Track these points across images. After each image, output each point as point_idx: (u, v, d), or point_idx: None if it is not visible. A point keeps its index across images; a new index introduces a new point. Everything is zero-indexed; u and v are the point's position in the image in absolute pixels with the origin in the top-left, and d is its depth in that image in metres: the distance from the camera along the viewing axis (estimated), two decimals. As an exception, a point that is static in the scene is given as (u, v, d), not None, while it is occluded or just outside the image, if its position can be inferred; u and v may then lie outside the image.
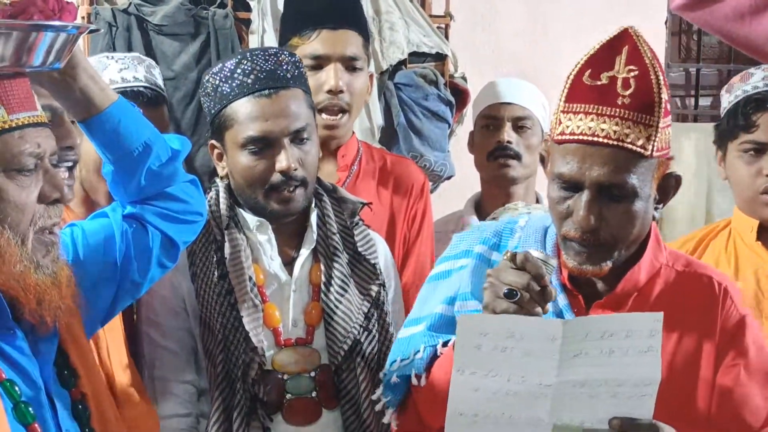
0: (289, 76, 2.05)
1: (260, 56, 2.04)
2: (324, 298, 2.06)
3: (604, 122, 1.56)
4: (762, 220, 2.45)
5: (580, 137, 1.58)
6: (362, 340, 2.09)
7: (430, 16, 4.25)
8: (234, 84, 2.03)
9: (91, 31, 1.62)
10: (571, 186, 1.61)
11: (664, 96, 1.59)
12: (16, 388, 1.49)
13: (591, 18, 4.59)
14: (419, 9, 4.21)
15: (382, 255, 2.23)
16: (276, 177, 2.02)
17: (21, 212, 1.47)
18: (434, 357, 1.62)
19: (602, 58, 1.60)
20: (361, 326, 2.09)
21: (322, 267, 2.09)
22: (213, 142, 2.11)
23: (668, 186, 1.69)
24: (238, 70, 2.03)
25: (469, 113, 3.46)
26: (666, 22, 4.78)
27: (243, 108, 2.02)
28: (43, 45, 1.47)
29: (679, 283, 1.73)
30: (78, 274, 1.63)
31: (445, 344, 1.62)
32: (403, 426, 1.70)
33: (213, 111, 2.07)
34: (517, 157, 2.79)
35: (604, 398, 1.40)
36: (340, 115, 2.49)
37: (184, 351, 2.06)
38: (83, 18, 3.55)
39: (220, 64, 2.08)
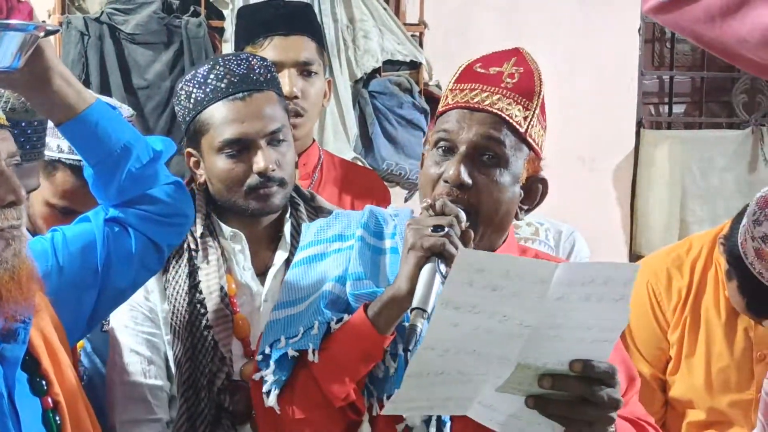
0: (262, 79, 2.05)
1: (233, 61, 2.06)
2: None
3: (488, 96, 1.67)
4: None
5: (464, 104, 1.68)
6: None
7: (405, 24, 4.26)
8: (208, 89, 2.04)
9: (48, 33, 1.59)
10: (448, 148, 1.66)
11: (542, 96, 1.70)
12: (-24, 396, 1.46)
13: (565, 27, 4.60)
14: (393, 17, 4.21)
15: None
16: (254, 179, 2.01)
17: None
18: (327, 333, 1.63)
19: (493, 58, 1.73)
20: None
21: None
22: (189, 150, 2.11)
23: (535, 187, 1.73)
24: (211, 76, 2.04)
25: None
26: (639, 30, 4.80)
27: (218, 112, 2.02)
28: None
29: None
30: (58, 281, 1.60)
31: (338, 321, 1.63)
32: (289, 405, 1.62)
33: (188, 118, 2.07)
34: None
35: (570, 342, 1.41)
36: (296, 119, 2.48)
37: (155, 356, 2.04)
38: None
39: (193, 71, 2.09)
